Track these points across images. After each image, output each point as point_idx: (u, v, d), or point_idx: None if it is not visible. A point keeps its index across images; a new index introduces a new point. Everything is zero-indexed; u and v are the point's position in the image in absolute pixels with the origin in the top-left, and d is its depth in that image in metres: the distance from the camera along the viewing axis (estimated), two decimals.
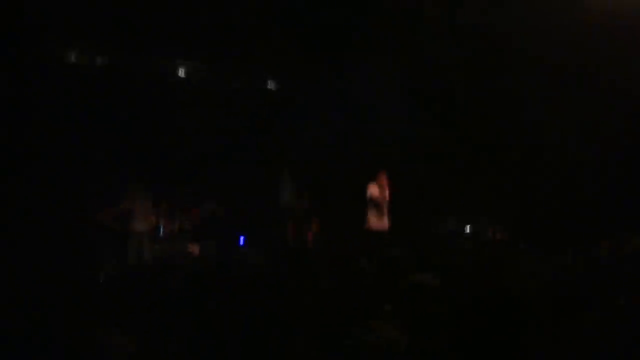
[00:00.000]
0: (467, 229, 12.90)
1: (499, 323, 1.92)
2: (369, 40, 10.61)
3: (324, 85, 12.81)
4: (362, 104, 12.58)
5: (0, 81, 9.40)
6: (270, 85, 13.68)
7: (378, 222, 10.11)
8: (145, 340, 2.15)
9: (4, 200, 8.91)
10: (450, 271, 3.95)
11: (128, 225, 9.59)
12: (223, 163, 12.50)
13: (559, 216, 11.60)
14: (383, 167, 10.34)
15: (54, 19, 9.61)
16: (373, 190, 10.10)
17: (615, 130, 11.19)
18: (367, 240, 9.93)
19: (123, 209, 9.62)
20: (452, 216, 13.00)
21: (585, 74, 10.92)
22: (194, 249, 10.76)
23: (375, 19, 9.93)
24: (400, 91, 12.35)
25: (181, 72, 12.44)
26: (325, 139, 13.03)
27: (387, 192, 10.13)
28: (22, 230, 8.39)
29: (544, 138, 12.03)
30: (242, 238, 11.93)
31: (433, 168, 12.68)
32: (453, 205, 12.65)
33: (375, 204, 10.08)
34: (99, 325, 1.37)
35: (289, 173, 13.62)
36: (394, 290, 3.11)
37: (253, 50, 11.39)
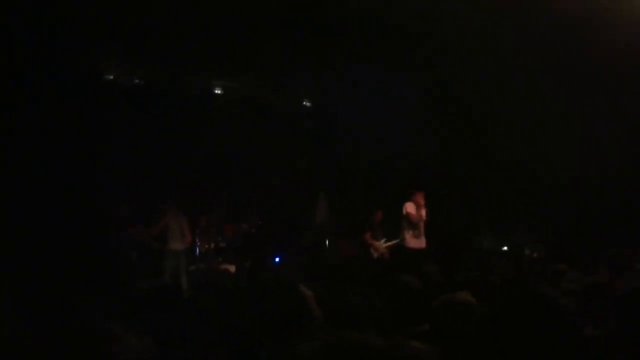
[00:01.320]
0: (505, 247, 12.76)
1: (537, 342, 1.87)
2: (404, 56, 10.58)
3: (359, 104, 12.84)
4: (397, 122, 12.55)
5: (38, 96, 9.58)
6: (306, 102, 13.75)
7: (415, 240, 10.10)
8: (176, 354, 2.13)
9: (40, 216, 9.07)
10: (488, 289, 3.87)
11: (165, 244, 9.67)
12: (260, 183, 12.57)
13: (596, 236, 11.45)
14: (420, 187, 10.35)
15: (91, 37, 9.78)
16: (410, 208, 10.08)
17: None
18: (405, 257, 9.91)
19: (161, 228, 9.70)
20: (489, 235, 12.87)
21: (615, 92, 10.79)
22: (229, 267, 10.79)
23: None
24: (433, 111, 12.33)
25: (217, 90, 12.55)
26: (361, 158, 13.05)
27: (424, 212, 10.11)
28: (55, 243, 8.52)
29: (580, 159, 11.90)
30: (277, 256, 11.95)
31: (470, 187, 12.60)
32: (491, 224, 12.52)
33: (411, 222, 10.06)
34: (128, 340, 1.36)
35: (324, 192, 13.67)
36: (429, 308, 3.04)
37: (287, 67, 11.43)
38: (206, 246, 11.19)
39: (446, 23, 9.39)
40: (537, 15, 9.26)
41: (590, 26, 9.28)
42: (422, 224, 10.13)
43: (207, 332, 2.41)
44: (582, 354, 1.97)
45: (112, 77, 11.47)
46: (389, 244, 11.04)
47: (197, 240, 11.07)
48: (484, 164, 12.94)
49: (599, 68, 10.20)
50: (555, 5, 8.91)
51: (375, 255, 10.92)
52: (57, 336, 1.37)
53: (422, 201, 10.11)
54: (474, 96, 12.03)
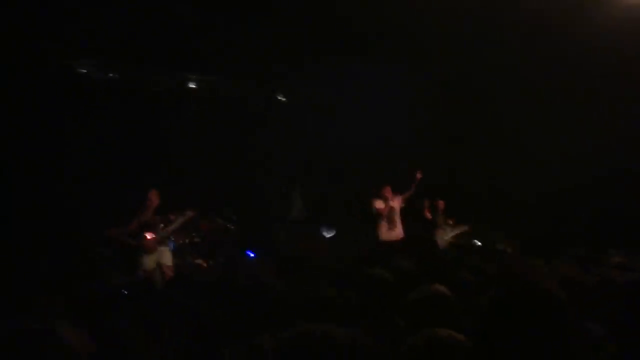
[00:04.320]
0: (477, 242, 12.85)
1: (515, 331, 1.88)
2: (371, 47, 10.60)
3: (333, 97, 12.85)
4: (371, 115, 12.57)
5: (11, 93, 9.48)
6: (279, 98, 13.73)
7: (389, 232, 10.30)
8: (148, 349, 2.11)
9: (16, 211, 8.99)
10: (463, 282, 3.90)
11: (139, 239, 9.51)
12: (235, 177, 12.51)
13: (568, 230, 11.62)
14: (390, 181, 10.53)
15: (64, 31, 9.68)
16: (378, 204, 10.33)
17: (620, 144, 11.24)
18: (379, 250, 10.07)
19: (136, 225, 9.51)
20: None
21: (589, 93, 10.96)
22: (204, 262, 10.74)
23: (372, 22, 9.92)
24: (409, 102, 12.38)
25: (191, 84, 12.47)
26: (336, 152, 13.05)
27: (393, 204, 10.31)
28: (32, 240, 8.45)
29: (551, 153, 12.08)
30: (251, 252, 11.90)
31: (443, 182, 12.67)
32: (464, 219, 12.60)
33: (382, 216, 10.27)
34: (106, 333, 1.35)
35: (299, 187, 13.67)
36: (405, 301, 3.05)
37: (260, 61, 11.40)
38: (181, 241, 11.09)
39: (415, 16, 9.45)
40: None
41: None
42: (395, 216, 10.36)
43: (179, 325, 2.40)
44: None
45: (85, 71, 11.34)
46: (456, 232, 11.81)
47: (172, 236, 10.96)
48: (459, 159, 13.05)
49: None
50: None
51: (442, 244, 11.41)
52: None
53: (389, 194, 10.38)
54: (450, 90, 12.14)
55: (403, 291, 3.26)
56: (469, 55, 10.63)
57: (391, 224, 10.38)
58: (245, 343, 2.12)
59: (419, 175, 10.39)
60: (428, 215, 11.82)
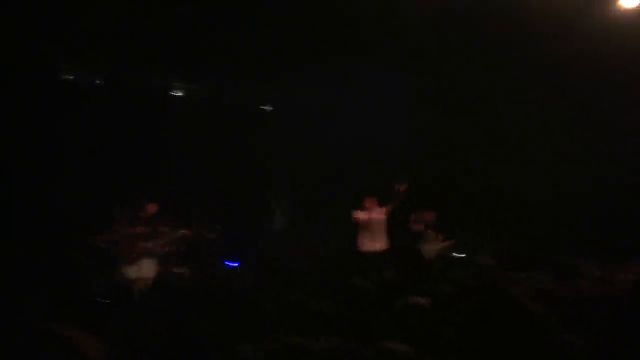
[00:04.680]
0: (458, 254, 12.89)
1: (487, 343, 1.92)
2: (371, 47, 10.61)
3: (321, 104, 12.86)
4: (359, 123, 12.59)
5: (9, 93, 9.47)
6: (263, 105, 13.74)
7: (370, 243, 10.25)
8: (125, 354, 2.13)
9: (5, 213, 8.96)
10: (444, 293, 3.93)
11: (120, 247, 9.41)
12: (218, 185, 12.49)
13: (546, 242, 11.69)
14: (375, 191, 10.51)
15: (55, 36, 9.68)
16: (359, 214, 10.32)
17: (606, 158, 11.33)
18: (359, 260, 10.04)
19: (120, 234, 9.41)
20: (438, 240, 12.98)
21: (588, 94, 11.06)
22: (185, 270, 10.66)
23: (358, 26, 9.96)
24: (409, 102, 12.39)
25: (177, 91, 12.46)
26: (320, 159, 13.06)
27: (375, 215, 10.27)
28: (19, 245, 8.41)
29: (550, 154, 12.15)
30: (234, 260, 11.86)
31: (426, 193, 12.70)
32: (444, 231, 12.66)
33: (362, 227, 10.24)
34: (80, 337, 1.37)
35: (281, 195, 13.65)
36: (388, 312, 3.08)
37: (246, 68, 11.42)
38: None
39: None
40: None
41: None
42: (376, 226, 10.31)
43: (159, 333, 2.41)
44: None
45: (72, 77, 11.32)
46: (443, 245, 11.59)
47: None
48: (458, 159, 13.07)
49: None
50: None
51: (429, 256, 11.17)
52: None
53: (370, 205, 10.32)
54: (449, 91, 12.19)
55: (384, 302, 3.29)
56: (469, 55, 10.65)
57: (373, 235, 10.32)
58: (224, 352, 2.14)
59: (401, 188, 10.34)
60: (414, 226, 11.72)
